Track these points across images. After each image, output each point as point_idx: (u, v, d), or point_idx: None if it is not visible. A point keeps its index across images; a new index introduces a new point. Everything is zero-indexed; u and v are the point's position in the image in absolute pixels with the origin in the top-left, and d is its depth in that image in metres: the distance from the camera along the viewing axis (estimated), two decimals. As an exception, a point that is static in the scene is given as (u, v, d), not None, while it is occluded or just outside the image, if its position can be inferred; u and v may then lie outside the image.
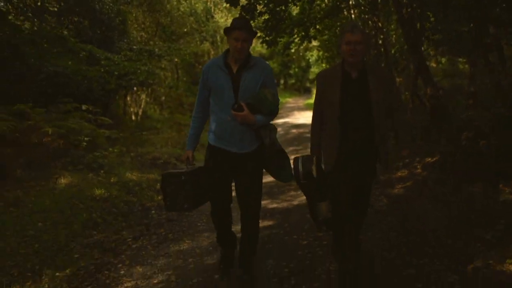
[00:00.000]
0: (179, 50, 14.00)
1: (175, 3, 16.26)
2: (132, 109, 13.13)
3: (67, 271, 3.65)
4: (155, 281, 3.50)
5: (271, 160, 3.30)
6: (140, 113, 13.42)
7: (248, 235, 3.38)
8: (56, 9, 10.33)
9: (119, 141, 8.04)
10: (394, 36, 12.32)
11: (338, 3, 11.51)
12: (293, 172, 3.25)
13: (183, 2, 16.72)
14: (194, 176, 3.22)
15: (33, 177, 5.58)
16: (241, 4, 8.64)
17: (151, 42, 15.74)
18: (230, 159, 3.22)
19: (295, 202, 5.46)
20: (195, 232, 4.66)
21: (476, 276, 3.11)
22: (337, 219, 3.24)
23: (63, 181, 5.68)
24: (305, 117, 17.90)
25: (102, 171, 6.16)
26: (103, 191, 5.42)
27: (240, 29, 3.08)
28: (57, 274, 3.57)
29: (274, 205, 5.39)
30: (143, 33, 15.53)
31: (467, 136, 5.13)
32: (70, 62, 8.22)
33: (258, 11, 9.01)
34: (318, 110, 3.29)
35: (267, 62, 3.43)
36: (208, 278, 3.48)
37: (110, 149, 6.79)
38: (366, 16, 12.05)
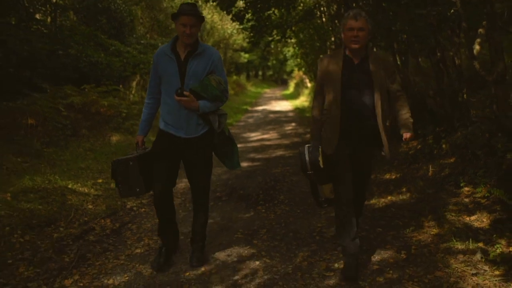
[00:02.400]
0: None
1: (170, 2, 18.89)
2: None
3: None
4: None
5: (220, 146, 3.44)
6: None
7: (199, 220, 3.53)
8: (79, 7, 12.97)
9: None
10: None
11: (311, 10, 14.54)
12: (300, 161, 3.29)
13: (177, 1, 19.31)
14: (142, 161, 3.34)
15: (94, 134, 8.31)
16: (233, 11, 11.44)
17: (148, 35, 18.37)
18: (178, 144, 3.31)
19: (273, 155, 8.35)
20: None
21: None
22: (340, 202, 3.29)
23: (113, 138, 8.44)
24: (281, 106, 20.91)
25: (136, 133, 8.94)
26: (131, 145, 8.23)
27: (188, 14, 3.11)
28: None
29: (259, 156, 8.26)
30: (141, 27, 18.11)
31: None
32: (102, 54, 10.89)
33: (246, 18, 11.84)
34: (319, 96, 3.35)
35: (216, 49, 3.45)
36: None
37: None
38: (336, 21, 14.99)
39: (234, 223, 4.50)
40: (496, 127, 5.02)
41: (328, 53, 16.27)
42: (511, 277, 3.01)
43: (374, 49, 7.20)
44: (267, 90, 37.68)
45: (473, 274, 3.12)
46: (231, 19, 12.61)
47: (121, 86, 10.54)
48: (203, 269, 3.42)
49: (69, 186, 5.38)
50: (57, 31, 10.73)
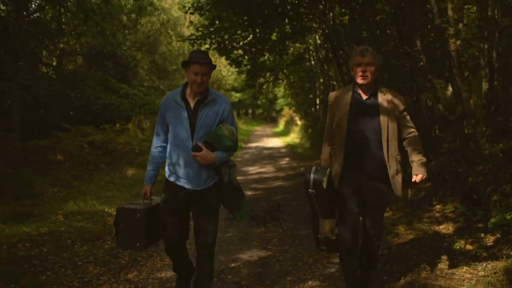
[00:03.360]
0: (174, 85, 18.02)
1: (168, 46, 20.35)
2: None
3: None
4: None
5: (229, 197, 3.31)
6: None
7: (202, 273, 3.31)
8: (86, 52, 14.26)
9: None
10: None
11: (301, 54, 16.04)
12: (304, 178, 3.23)
13: (174, 45, 20.80)
14: (149, 214, 3.25)
15: (112, 169, 9.36)
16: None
17: (147, 77, 19.71)
18: (187, 196, 3.19)
19: (272, 186, 9.43)
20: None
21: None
22: (343, 246, 3.31)
23: (129, 172, 9.50)
24: (273, 142, 22.15)
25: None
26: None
27: (200, 63, 3.02)
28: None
29: (260, 186, 9.33)
30: (141, 70, 19.45)
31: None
32: (113, 97, 12.09)
33: (243, 63, 13.18)
34: (329, 131, 3.42)
35: (227, 97, 3.37)
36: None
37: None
38: (325, 65, 16.44)
39: (250, 236, 5.56)
40: (460, 157, 6.22)
41: (317, 93, 17.75)
42: (464, 263, 4.11)
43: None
44: (258, 128, 39.11)
45: (438, 262, 4.22)
46: (229, 64, 14.03)
47: (130, 125, 11.67)
48: (233, 264, 4.47)
49: (106, 210, 6.40)
50: (70, 76, 11.93)
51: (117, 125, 10.52)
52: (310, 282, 4.00)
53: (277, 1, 9.00)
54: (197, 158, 3.07)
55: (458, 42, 7.50)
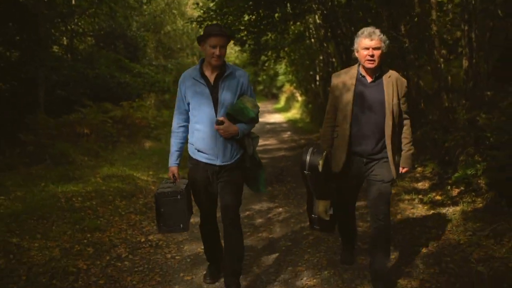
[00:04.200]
0: (181, 64, 18.97)
1: (172, 25, 21.17)
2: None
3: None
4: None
5: (250, 170, 3.40)
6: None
7: (231, 251, 3.31)
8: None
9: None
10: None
11: (302, 33, 16.94)
12: (299, 163, 3.29)
13: (179, 23, 21.61)
14: (187, 194, 3.32)
15: (131, 141, 10.43)
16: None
17: (153, 55, 20.60)
18: (214, 172, 3.25)
19: (276, 155, 10.50)
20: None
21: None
22: (342, 224, 3.52)
23: (146, 144, 10.58)
24: (275, 118, 23.15)
25: (163, 140, 11.07)
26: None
27: (217, 35, 3.06)
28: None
29: (265, 156, 10.41)
30: (148, 49, 20.34)
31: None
32: (127, 76, 13.08)
33: (248, 42, 14.10)
34: (331, 113, 3.38)
35: (243, 70, 3.38)
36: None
37: (165, 128, 11.74)
38: (324, 44, 17.32)
39: (260, 193, 6.65)
40: (439, 126, 7.26)
41: (317, 70, 18.68)
42: (433, 209, 5.21)
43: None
44: (259, 104, 39.97)
45: (411, 209, 5.32)
46: (234, 43, 14.94)
47: (147, 101, 12.70)
48: (247, 212, 5.57)
49: (134, 174, 7.49)
50: (87, 56, 12.89)
51: (136, 100, 11.54)
52: (308, 223, 5.10)
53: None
54: (220, 132, 3.13)
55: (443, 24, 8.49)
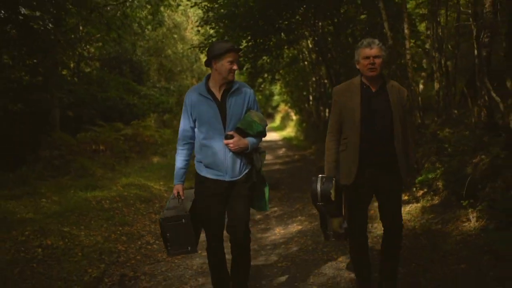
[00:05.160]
0: (182, 86, 20.31)
1: (173, 49, 22.55)
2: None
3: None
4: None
5: (256, 185, 3.42)
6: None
7: (238, 268, 3.42)
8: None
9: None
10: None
11: (295, 56, 18.35)
12: (310, 190, 3.26)
13: (179, 47, 22.99)
14: (193, 215, 3.28)
15: (140, 157, 11.64)
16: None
17: (156, 78, 21.94)
18: (223, 188, 3.25)
19: (272, 168, 11.70)
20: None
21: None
22: (354, 238, 3.46)
23: (154, 159, 11.78)
24: (271, 136, 24.47)
25: (168, 156, 12.28)
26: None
27: (236, 50, 3.17)
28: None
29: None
30: (151, 72, 21.69)
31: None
32: (135, 97, 14.36)
33: (245, 66, 15.44)
34: (335, 127, 3.39)
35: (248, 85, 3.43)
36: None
37: (170, 145, 12.95)
38: (317, 66, 18.69)
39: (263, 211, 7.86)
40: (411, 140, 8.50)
41: (310, 90, 20.03)
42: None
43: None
44: (255, 124, 41.50)
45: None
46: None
47: (152, 120, 13.96)
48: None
49: (148, 184, 8.67)
50: (98, 80, 14.19)
51: (146, 120, 12.81)
52: (299, 217, 6.33)
53: (276, 24, 11.20)
54: (230, 146, 3.16)
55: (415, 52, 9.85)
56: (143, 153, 11.76)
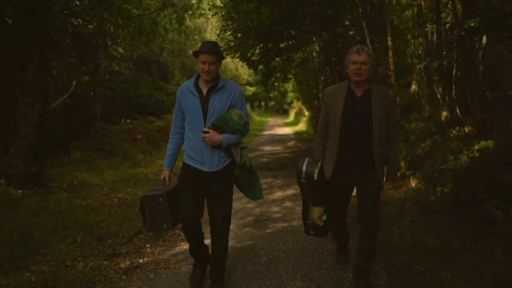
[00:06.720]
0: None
1: (194, 49, 24.89)
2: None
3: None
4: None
5: (242, 178, 3.66)
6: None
7: (216, 253, 3.66)
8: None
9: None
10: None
11: (306, 58, 20.58)
12: (297, 171, 3.49)
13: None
14: (170, 197, 3.56)
15: (152, 147, 14.02)
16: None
17: (179, 76, 24.33)
18: (202, 177, 3.51)
19: (281, 156, 13.96)
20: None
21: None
22: (334, 229, 3.81)
23: (182, 147, 14.16)
24: (284, 131, 26.68)
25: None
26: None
27: (207, 52, 3.33)
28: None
29: (272, 157, 13.87)
30: (175, 72, 24.10)
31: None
32: (162, 94, 16.74)
33: (259, 67, 17.69)
34: (324, 125, 3.63)
35: (238, 84, 3.64)
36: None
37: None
38: (326, 67, 20.81)
39: (265, 175, 10.16)
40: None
41: (320, 88, 22.14)
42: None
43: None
44: (270, 119, 43.78)
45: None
46: (248, 66, 18.53)
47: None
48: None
49: (178, 164, 11.01)
50: (132, 79, 16.60)
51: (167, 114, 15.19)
52: (294, 186, 8.59)
53: (285, 34, 13.46)
54: (206, 140, 3.41)
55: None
56: (156, 144, 14.10)
